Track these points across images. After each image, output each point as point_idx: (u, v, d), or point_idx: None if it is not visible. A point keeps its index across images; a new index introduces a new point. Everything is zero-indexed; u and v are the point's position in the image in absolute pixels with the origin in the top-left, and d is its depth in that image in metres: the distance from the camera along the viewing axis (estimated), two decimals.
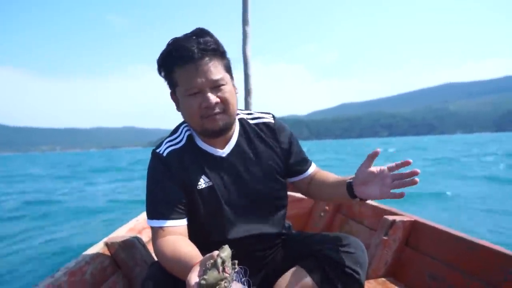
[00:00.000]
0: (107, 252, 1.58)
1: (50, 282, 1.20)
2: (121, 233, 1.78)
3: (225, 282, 0.82)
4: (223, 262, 0.83)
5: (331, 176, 1.36)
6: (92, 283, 1.41)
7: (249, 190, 1.29)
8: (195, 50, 1.14)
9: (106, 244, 1.59)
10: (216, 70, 1.17)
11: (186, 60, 1.14)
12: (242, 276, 0.91)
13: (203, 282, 0.81)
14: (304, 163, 1.42)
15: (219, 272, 0.82)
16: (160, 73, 1.24)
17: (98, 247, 1.56)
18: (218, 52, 1.19)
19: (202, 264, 0.89)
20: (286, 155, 1.36)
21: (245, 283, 0.91)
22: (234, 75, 1.29)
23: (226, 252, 0.86)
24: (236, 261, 0.88)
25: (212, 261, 0.85)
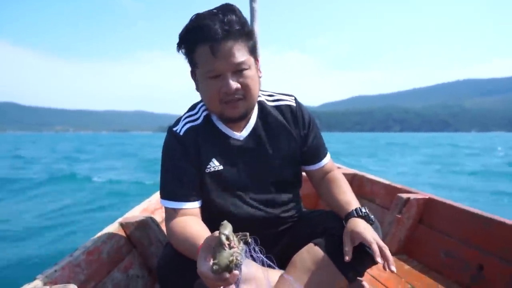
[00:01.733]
0: (122, 232, 1.61)
1: (69, 261, 1.23)
2: (135, 213, 1.81)
3: (236, 257, 0.80)
4: (227, 239, 0.81)
5: (340, 191, 1.30)
6: (109, 262, 1.44)
7: (263, 175, 1.27)
8: (218, 30, 1.06)
9: (121, 224, 1.62)
10: (239, 53, 1.10)
11: (207, 40, 1.07)
12: (254, 245, 0.88)
13: (215, 267, 0.78)
14: (319, 152, 1.38)
15: (225, 249, 0.80)
16: (179, 50, 1.17)
17: (113, 227, 1.59)
18: (244, 32, 1.12)
19: (206, 247, 0.87)
20: (303, 140, 1.32)
21: (258, 252, 0.89)
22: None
23: (227, 228, 0.83)
24: (247, 233, 0.86)
25: (215, 243, 0.82)
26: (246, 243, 0.86)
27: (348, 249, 1.07)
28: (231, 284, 0.81)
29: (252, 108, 1.24)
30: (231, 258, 0.79)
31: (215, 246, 0.82)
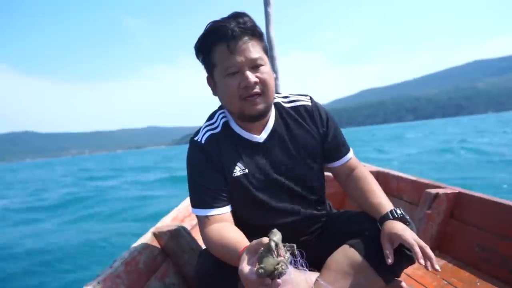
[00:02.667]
0: (155, 242, 1.64)
1: (110, 273, 1.28)
2: (166, 222, 1.85)
3: (281, 266, 0.80)
4: (276, 245, 0.82)
5: (369, 190, 1.30)
6: (146, 272, 1.48)
7: (287, 176, 1.28)
8: (235, 29, 1.13)
9: (154, 234, 1.66)
10: (255, 50, 1.17)
11: (225, 38, 1.14)
12: (299, 257, 0.88)
13: (261, 271, 0.79)
14: (341, 149, 1.38)
15: (273, 257, 0.80)
16: (198, 57, 1.24)
17: (146, 238, 1.62)
18: (257, 32, 1.19)
19: (251, 251, 0.89)
20: (323, 138, 1.33)
21: (303, 265, 0.89)
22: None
23: (277, 235, 0.84)
24: (295, 245, 0.86)
25: (263, 248, 0.83)
26: (292, 254, 0.86)
27: (389, 252, 1.07)
28: None
29: (270, 107, 1.25)
30: (277, 266, 0.79)
31: (262, 251, 0.82)
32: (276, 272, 0.80)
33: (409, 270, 1.56)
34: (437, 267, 1.00)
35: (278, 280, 0.81)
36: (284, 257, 0.82)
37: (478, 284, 1.47)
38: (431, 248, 1.80)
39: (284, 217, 1.27)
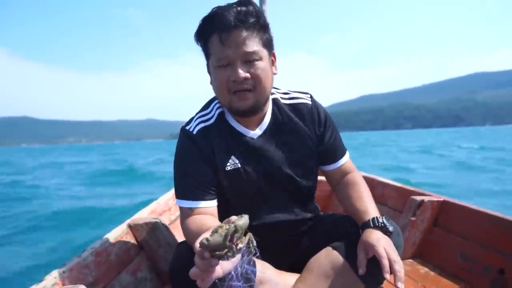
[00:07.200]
0: (130, 234, 1.59)
1: (77, 262, 1.21)
2: (143, 215, 1.80)
3: (227, 252, 0.74)
4: (235, 232, 0.75)
5: (357, 196, 1.25)
6: (117, 264, 1.42)
7: (279, 174, 1.24)
8: (231, 19, 1.07)
9: (129, 226, 1.60)
10: (250, 43, 1.10)
11: (220, 28, 1.08)
12: (256, 252, 0.81)
13: (204, 241, 0.73)
14: (336, 152, 1.33)
15: (225, 239, 0.74)
16: (197, 42, 1.19)
17: (121, 229, 1.56)
18: (257, 24, 1.11)
19: (215, 228, 0.80)
20: (320, 139, 1.29)
21: (250, 264, 0.84)
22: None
23: (242, 221, 0.77)
24: (255, 244, 0.80)
25: (225, 226, 0.76)
26: (249, 247, 0.80)
27: (361, 261, 1.05)
28: (206, 268, 0.75)
29: (264, 102, 1.19)
30: (222, 249, 0.74)
31: (221, 228, 0.76)
32: (217, 253, 0.74)
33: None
34: (399, 285, 0.97)
35: (219, 261, 0.75)
36: (235, 246, 0.75)
37: None
38: (413, 255, 1.79)
39: (274, 215, 1.25)
